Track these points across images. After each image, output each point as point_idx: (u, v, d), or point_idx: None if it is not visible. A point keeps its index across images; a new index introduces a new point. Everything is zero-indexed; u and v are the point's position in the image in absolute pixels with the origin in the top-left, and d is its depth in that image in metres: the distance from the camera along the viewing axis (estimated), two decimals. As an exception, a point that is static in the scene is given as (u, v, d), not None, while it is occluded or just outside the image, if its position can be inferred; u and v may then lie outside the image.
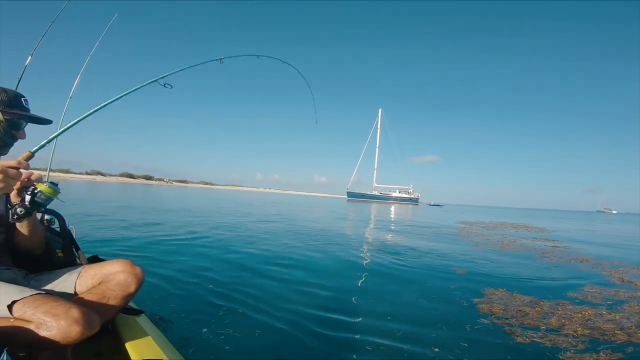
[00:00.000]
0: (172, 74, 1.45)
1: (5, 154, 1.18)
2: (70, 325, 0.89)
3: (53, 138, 1.17)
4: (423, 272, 4.07)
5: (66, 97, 2.93)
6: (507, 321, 2.45)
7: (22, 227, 1.17)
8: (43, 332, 0.89)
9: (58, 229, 1.57)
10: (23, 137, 1.19)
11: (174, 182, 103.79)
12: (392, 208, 33.09)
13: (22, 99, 1.18)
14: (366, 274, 3.87)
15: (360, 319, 2.45)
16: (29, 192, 1.06)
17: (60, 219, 1.55)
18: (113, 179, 77.33)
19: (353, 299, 2.90)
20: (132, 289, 1.21)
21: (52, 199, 1.10)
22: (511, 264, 4.93)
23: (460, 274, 4.03)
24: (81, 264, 1.35)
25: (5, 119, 1.11)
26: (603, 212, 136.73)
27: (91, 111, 1.32)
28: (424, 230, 10.04)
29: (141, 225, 6.75)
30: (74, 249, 1.53)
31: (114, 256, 3.76)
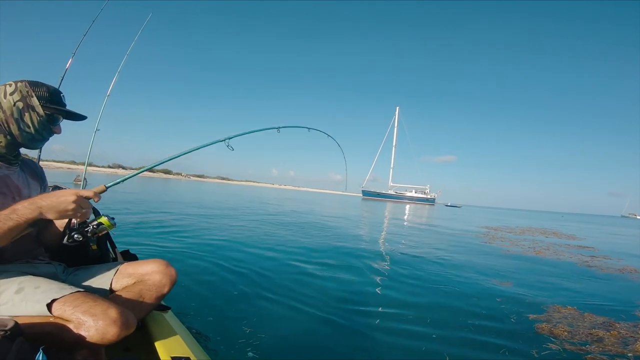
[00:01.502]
0: (235, 137, 1.54)
1: (41, 147, 1.21)
2: (109, 325, 0.89)
3: (128, 177, 1.25)
4: (460, 281, 3.72)
5: (104, 95, 3.30)
6: (582, 347, 2.10)
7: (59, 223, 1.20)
8: (81, 332, 0.89)
9: None
10: (59, 132, 1.19)
11: (191, 177, 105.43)
12: (408, 208, 32.44)
13: (61, 94, 1.18)
14: (395, 282, 3.55)
15: (399, 338, 2.15)
16: (91, 222, 1.13)
17: (95, 213, 1.53)
18: (133, 173, 78.90)
19: (384, 308, 2.61)
20: (165, 289, 1.23)
21: (107, 231, 1.17)
22: (558, 275, 4.49)
23: (505, 286, 3.62)
24: (116, 259, 1.40)
25: (45, 114, 1.12)
26: (628, 217, 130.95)
27: (170, 158, 1.45)
28: (447, 234, 9.60)
29: (161, 218, 6.63)
30: (107, 243, 1.53)
31: (143, 252, 3.76)
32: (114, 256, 1.50)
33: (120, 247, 1.53)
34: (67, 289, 0.97)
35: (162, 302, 1.34)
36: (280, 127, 1.85)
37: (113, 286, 1.21)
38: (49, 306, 0.92)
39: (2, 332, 0.77)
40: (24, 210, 0.93)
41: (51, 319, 0.92)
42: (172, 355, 1.00)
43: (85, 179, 3.40)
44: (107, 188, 1.12)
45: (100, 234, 1.15)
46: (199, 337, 1.80)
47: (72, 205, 0.97)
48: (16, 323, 0.82)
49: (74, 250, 1.33)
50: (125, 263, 1.28)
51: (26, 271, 1.07)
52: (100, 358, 1.00)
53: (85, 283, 1.19)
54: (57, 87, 1.18)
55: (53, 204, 0.95)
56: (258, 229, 6.81)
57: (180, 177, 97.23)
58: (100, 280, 1.21)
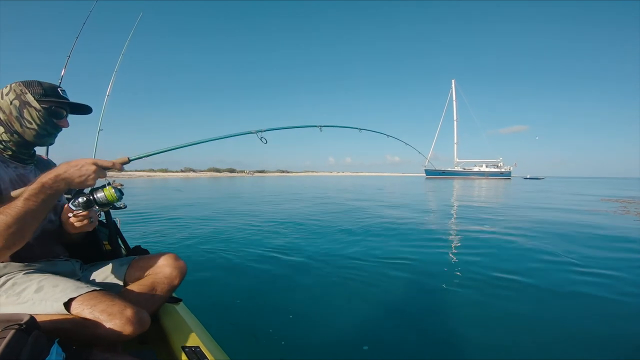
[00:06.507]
0: (269, 130, 1.48)
1: (52, 143, 1.21)
2: (125, 324, 0.91)
3: (152, 154, 1.22)
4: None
5: (104, 94, 3.21)
6: None
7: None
8: (98, 330, 0.90)
9: (104, 220, 1.60)
10: (66, 125, 1.20)
11: (254, 173, 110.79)
12: (482, 184, 29.34)
13: (59, 89, 1.18)
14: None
15: None
16: (97, 190, 1.12)
17: (106, 211, 1.58)
18: (203, 174, 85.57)
19: None
20: (176, 282, 1.24)
21: (111, 204, 1.12)
22: None
23: None
24: (128, 255, 1.41)
25: (42, 107, 1.13)
26: None
27: (189, 143, 1.36)
28: (574, 213, 7.77)
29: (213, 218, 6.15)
30: (119, 239, 1.56)
31: (155, 248, 3.24)
32: (125, 252, 1.51)
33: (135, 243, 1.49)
34: (84, 288, 0.99)
35: (175, 295, 1.35)
36: (322, 126, 1.79)
37: (127, 280, 1.23)
38: (67, 305, 0.93)
39: (17, 326, 0.74)
40: (51, 182, 0.93)
41: (69, 317, 0.93)
42: (183, 345, 1.01)
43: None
44: (130, 160, 1.12)
45: (104, 203, 1.10)
46: (211, 327, 1.64)
47: (92, 175, 0.99)
48: (32, 317, 0.78)
49: (88, 248, 1.36)
50: (137, 258, 1.30)
51: (47, 269, 1.10)
52: (116, 352, 1.00)
53: (101, 279, 1.22)
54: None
55: (75, 174, 0.97)
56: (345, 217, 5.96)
57: (244, 174, 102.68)
58: (114, 275, 1.24)
